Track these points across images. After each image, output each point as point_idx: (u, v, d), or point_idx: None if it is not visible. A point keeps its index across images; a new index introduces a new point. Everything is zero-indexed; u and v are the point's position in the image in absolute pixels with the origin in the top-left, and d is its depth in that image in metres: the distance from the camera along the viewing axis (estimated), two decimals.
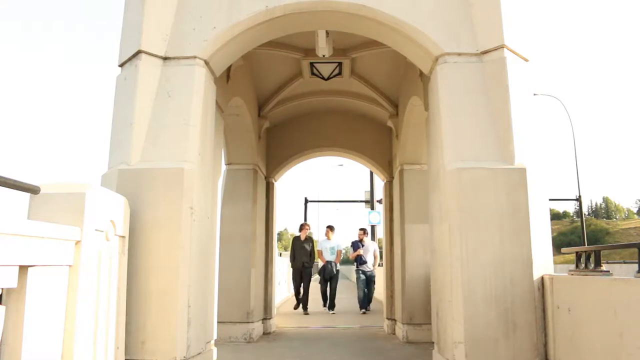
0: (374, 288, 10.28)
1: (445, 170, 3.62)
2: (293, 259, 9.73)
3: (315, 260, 10.33)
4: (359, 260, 9.96)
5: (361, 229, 10.26)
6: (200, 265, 3.74)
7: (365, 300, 9.94)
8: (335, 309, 9.99)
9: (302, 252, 9.53)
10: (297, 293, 10.03)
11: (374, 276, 9.99)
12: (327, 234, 10.58)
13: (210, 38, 3.84)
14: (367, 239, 10.15)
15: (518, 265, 3.37)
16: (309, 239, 9.85)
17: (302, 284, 9.75)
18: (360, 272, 9.93)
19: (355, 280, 10.88)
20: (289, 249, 10.34)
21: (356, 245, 10.06)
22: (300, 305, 9.93)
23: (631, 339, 2.32)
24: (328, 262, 10.13)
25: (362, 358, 5.04)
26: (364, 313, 9.77)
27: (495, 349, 3.26)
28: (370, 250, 10.00)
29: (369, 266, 9.83)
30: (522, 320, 3.30)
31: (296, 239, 9.89)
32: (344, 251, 11.54)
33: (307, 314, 9.67)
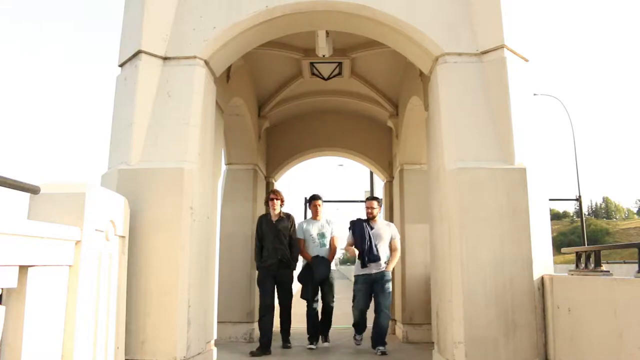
0: (389, 311, 5.26)
1: (445, 170, 3.62)
2: (260, 252, 5.37)
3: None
4: (369, 256, 5.15)
5: (372, 199, 5.55)
6: (200, 265, 3.75)
7: (363, 325, 5.41)
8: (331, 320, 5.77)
9: (276, 241, 5.27)
10: (263, 318, 5.23)
11: (389, 280, 5.19)
12: (312, 209, 5.80)
13: (210, 38, 3.85)
14: (379, 217, 5.51)
15: (518, 265, 3.37)
16: (286, 219, 5.45)
17: (274, 298, 5.37)
18: (363, 277, 5.24)
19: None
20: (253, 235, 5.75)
21: (359, 228, 5.30)
22: (264, 345, 5.11)
23: (631, 339, 2.32)
24: (317, 259, 5.45)
25: (362, 358, 5.04)
26: (358, 343, 5.50)
27: (495, 349, 3.27)
28: (384, 237, 5.28)
29: (381, 265, 5.18)
30: (522, 320, 3.30)
31: (264, 219, 5.48)
32: (341, 247, 5.85)
33: (288, 346, 5.49)
